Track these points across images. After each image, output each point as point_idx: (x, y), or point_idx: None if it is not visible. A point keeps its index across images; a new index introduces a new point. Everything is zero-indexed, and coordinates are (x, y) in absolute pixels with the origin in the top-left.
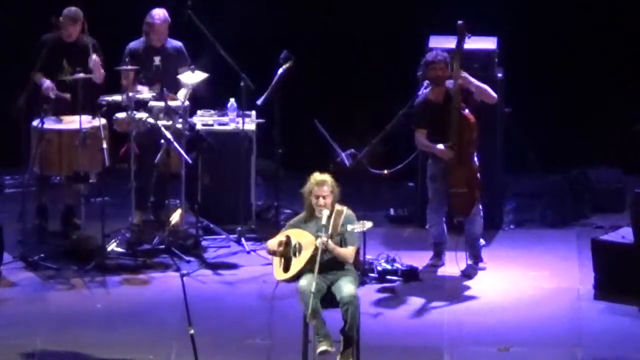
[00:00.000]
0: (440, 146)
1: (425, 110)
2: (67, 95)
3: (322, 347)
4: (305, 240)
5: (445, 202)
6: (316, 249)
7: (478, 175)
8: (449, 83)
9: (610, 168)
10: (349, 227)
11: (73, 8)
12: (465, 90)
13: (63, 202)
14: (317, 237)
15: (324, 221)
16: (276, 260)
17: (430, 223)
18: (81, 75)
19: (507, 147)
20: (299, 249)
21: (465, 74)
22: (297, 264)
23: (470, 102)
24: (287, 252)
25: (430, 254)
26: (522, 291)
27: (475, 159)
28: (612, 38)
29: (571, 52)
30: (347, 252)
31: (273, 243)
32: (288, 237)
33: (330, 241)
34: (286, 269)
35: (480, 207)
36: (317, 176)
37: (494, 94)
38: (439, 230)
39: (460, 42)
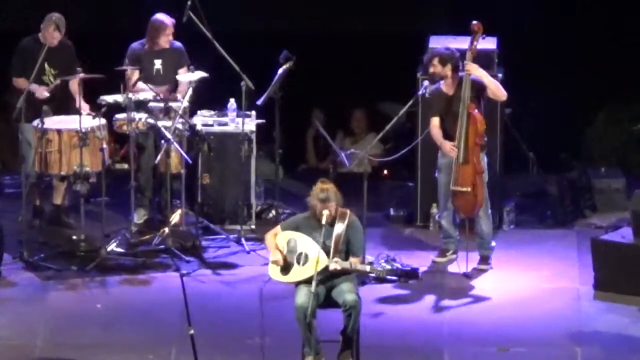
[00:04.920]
0: (448, 143)
1: (438, 99)
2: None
3: None
4: (311, 252)
5: (449, 195)
6: (326, 268)
7: (484, 175)
8: (462, 75)
9: (610, 168)
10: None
11: (57, 14)
12: (479, 82)
13: (54, 201)
14: (320, 242)
15: (324, 221)
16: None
17: (439, 215)
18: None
19: (507, 147)
20: (304, 260)
21: (476, 67)
22: (300, 273)
23: (483, 98)
24: (291, 257)
25: (430, 253)
26: (522, 291)
27: (484, 159)
28: (612, 38)
29: (571, 52)
30: (359, 269)
31: (280, 243)
32: (294, 242)
33: (339, 262)
34: (284, 271)
35: (489, 207)
36: (320, 193)
37: (504, 91)
38: (445, 224)
39: (473, 42)
